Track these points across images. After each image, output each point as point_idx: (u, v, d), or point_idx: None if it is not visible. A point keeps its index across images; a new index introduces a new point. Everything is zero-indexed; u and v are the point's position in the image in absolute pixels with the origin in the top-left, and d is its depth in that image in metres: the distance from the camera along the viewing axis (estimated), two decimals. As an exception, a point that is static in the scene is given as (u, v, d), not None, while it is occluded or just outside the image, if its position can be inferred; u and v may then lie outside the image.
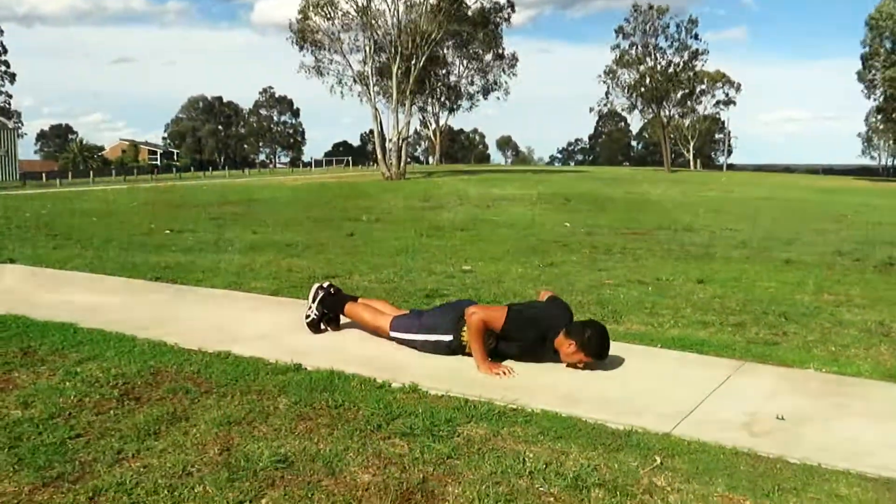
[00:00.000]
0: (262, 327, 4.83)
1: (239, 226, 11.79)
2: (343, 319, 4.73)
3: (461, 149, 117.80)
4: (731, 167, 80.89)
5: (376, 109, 31.55)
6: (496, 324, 3.97)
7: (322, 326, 4.68)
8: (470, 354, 4.08)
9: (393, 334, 4.37)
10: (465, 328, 4.08)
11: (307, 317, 4.65)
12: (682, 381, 3.83)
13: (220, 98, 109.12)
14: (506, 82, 50.43)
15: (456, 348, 4.15)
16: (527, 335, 4.01)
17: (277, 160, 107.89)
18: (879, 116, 50.03)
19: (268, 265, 7.54)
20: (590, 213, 14.83)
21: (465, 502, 2.45)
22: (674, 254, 8.73)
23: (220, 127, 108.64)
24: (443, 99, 56.80)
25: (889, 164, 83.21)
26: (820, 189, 27.55)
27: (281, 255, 8.24)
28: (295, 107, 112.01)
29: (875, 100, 41.02)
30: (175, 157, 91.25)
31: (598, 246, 9.30)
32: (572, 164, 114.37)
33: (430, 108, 60.46)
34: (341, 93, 33.42)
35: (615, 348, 4.38)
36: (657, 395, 3.59)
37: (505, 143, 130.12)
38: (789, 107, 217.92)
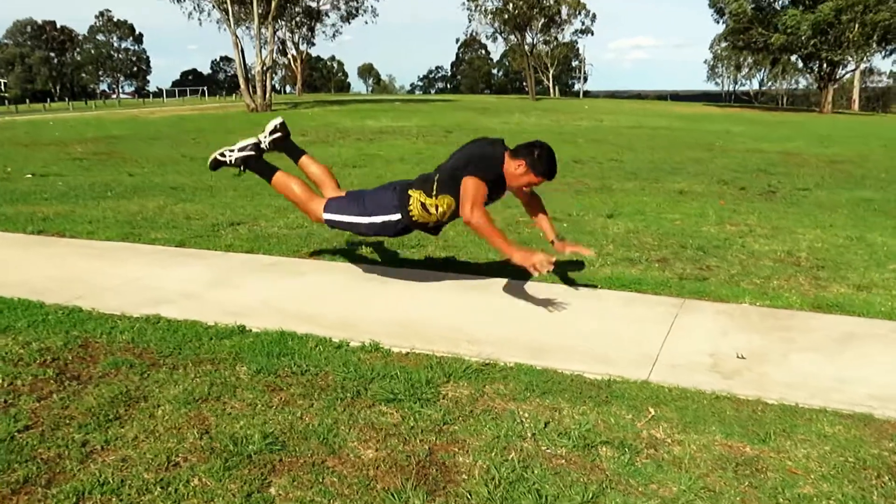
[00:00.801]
0: (184, 284, 4.46)
1: (109, 167, 10.87)
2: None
3: (320, 77, 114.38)
4: (586, 94, 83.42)
5: (237, 37, 29.83)
6: (483, 195, 3.77)
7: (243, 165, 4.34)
8: (422, 227, 4.00)
9: (328, 216, 4.10)
10: (410, 204, 3.94)
11: (254, 145, 4.30)
12: (636, 323, 3.87)
13: (52, 22, 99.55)
14: (372, 6, 49.26)
15: (406, 226, 4.03)
16: (495, 169, 3.80)
17: (121, 90, 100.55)
18: (724, 44, 52.74)
19: (161, 212, 6.99)
20: (474, 145, 14.79)
21: (482, 472, 2.35)
22: (573, 187, 8.85)
23: (52, 54, 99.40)
24: (303, 27, 54.66)
25: (731, 89, 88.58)
26: (681, 116, 28.91)
27: (172, 200, 7.66)
28: (137, 32, 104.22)
29: (724, 24, 43.06)
30: (1, 87, 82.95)
31: (498, 181, 9.28)
32: (433, 92, 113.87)
33: (291, 35, 58.00)
34: (199, 19, 31.26)
35: (559, 291, 4.39)
36: (618, 339, 3.61)
37: (366, 72, 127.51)
38: (638, 34, 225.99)
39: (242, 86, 29.87)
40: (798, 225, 6.60)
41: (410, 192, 3.99)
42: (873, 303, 4.27)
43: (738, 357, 3.40)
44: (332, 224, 4.15)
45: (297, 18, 49.81)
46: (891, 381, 3.13)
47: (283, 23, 47.31)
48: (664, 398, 2.95)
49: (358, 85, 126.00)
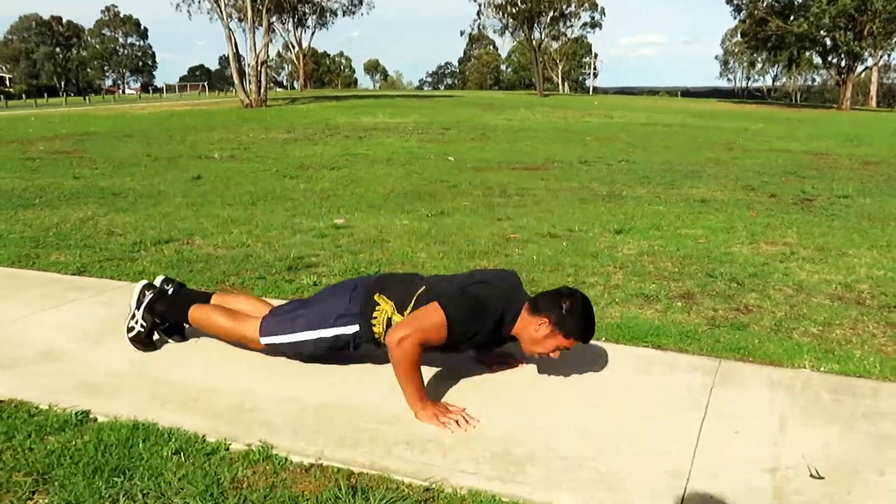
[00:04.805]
0: (52, 335, 3.33)
1: (60, 168, 9.75)
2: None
3: (327, 73, 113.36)
4: (596, 90, 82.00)
5: (230, 29, 28.48)
6: (436, 339, 2.60)
7: (155, 338, 3.21)
8: (376, 345, 2.80)
9: (266, 341, 2.92)
10: (375, 315, 2.77)
11: (129, 329, 3.15)
12: (654, 406, 2.71)
13: (58, 18, 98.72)
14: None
15: (366, 342, 2.81)
16: (480, 329, 2.64)
17: (126, 86, 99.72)
18: (737, 39, 51.29)
19: (82, 225, 5.86)
20: (473, 143, 13.60)
21: None
22: (577, 194, 7.67)
23: (58, 49, 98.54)
24: (304, 18, 53.52)
25: (743, 85, 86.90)
26: (695, 113, 27.53)
27: (103, 210, 6.52)
28: (142, 27, 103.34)
29: (741, 20, 41.58)
30: (6, 82, 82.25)
31: (491, 186, 8.11)
32: (442, 88, 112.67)
33: (290, 28, 56.83)
34: (188, 11, 30.07)
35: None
36: (628, 439, 2.44)
37: (373, 67, 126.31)
38: (647, 31, 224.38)
39: (236, 80, 28.61)
40: (848, 244, 5.41)
41: (377, 298, 2.82)
42: (984, 369, 3.09)
43: (812, 476, 2.23)
44: (273, 350, 2.97)
45: (295, 11, 48.68)
46: None
47: (281, 16, 46.12)
48: (706, 573, 1.79)
49: (365, 81, 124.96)
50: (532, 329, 2.68)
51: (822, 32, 37.41)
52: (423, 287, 2.75)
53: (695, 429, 2.52)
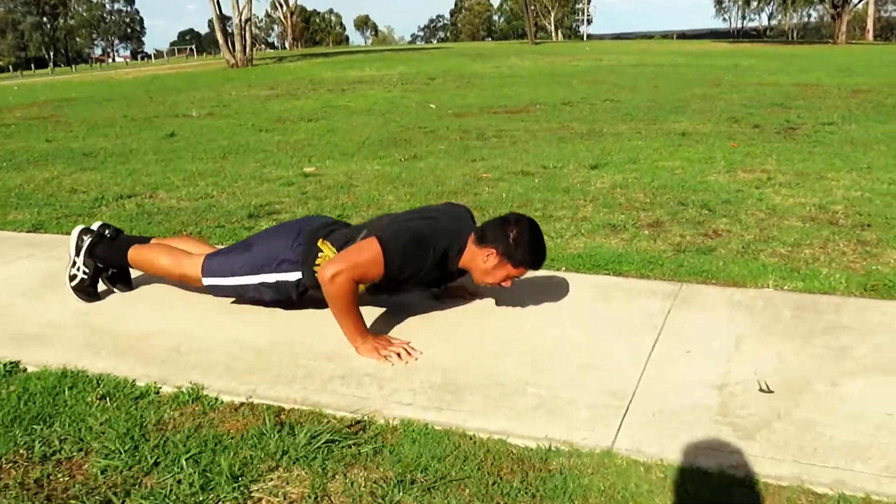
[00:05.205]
0: (-7, 291, 3.23)
1: (33, 133, 9.57)
2: (137, 273, 3.17)
3: (318, 31, 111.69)
4: (590, 37, 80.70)
5: (213, -12, 27.98)
6: (372, 274, 2.48)
7: (98, 288, 3.11)
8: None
9: (207, 282, 2.80)
10: (318, 260, 2.65)
11: (71, 277, 3.05)
12: (607, 331, 2.61)
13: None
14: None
15: (311, 288, 2.66)
16: (421, 264, 2.53)
17: (116, 53, 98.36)
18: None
19: (46, 185, 5.73)
20: (458, 90, 13.35)
21: None
22: (556, 133, 7.50)
23: (44, 19, 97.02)
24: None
25: (739, 26, 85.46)
26: (686, 53, 27.03)
27: (70, 170, 6.38)
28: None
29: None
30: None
31: (469, 130, 7.94)
32: (435, 41, 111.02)
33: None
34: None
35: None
36: (575, 364, 2.35)
37: (363, 23, 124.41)
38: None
39: (221, 40, 28.05)
40: (828, 168, 5.27)
41: (321, 244, 2.68)
42: (953, 280, 2.99)
43: (760, 389, 2.14)
44: (215, 290, 2.85)
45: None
46: None
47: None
48: (636, 489, 1.71)
49: (356, 38, 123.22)
50: (480, 260, 2.57)
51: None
52: (366, 230, 2.62)
53: (646, 351, 2.42)
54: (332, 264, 2.43)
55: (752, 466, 1.78)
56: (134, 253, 2.98)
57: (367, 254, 2.45)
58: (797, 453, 1.82)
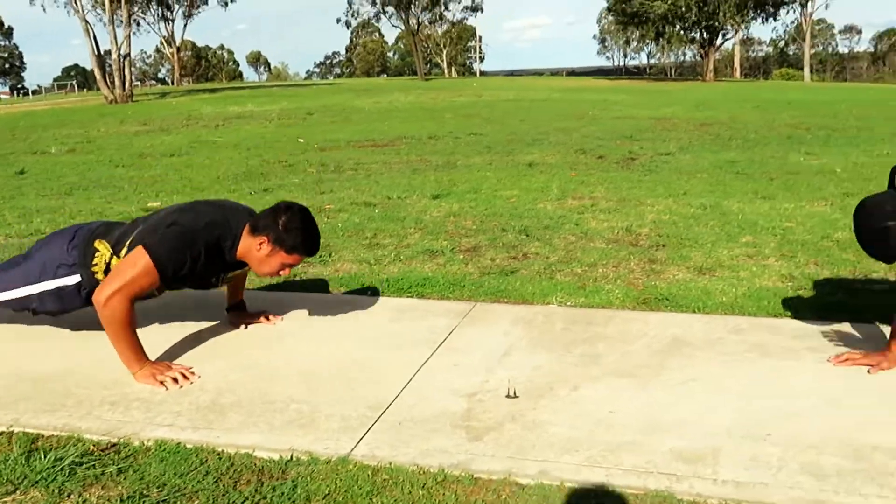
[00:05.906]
0: None
1: None
2: None
3: (210, 67, 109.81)
4: (483, 74, 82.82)
5: (87, 22, 27.10)
6: (148, 285, 2.50)
7: None
8: None
9: None
10: (95, 261, 2.64)
11: None
12: (392, 348, 2.75)
13: None
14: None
15: (91, 291, 2.60)
16: (195, 258, 2.54)
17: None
18: (610, 18, 52.91)
19: None
20: (332, 125, 13.48)
21: None
22: (412, 166, 7.72)
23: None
24: (171, 7, 51.76)
25: (622, 63, 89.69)
26: (562, 89, 28.20)
27: None
28: (6, 26, 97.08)
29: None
30: None
31: (327, 163, 8.05)
32: (331, 77, 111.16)
33: (154, 20, 54.72)
34: (42, 6, 28.42)
35: (300, 303, 3.23)
36: (349, 381, 2.48)
37: (255, 59, 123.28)
38: (533, 14, 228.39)
39: (98, 76, 27.19)
40: (649, 195, 5.67)
41: (97, 244, 2.69)
42: (712, 291, 3.30)
43: (507, 396, 2.32)
44: (4, 306, 2.81)
45: (160, 1, 46.97)
46: (712, 424, 2.11)
47: (143, 6, 44.37)
48: (358, 491, 1.83)
49: (250, 74, 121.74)
50: (255, 250, 2.63)
51: (682, 9, 39.02)
52: (137, 231, 2.65)
53: (417, 365, 2.57)
54: (105, 286, 2.46)
55: (471, 464, 1.93)
56: None
57: (138, 267, 2.48)
58: (515, 451, 1.99)
